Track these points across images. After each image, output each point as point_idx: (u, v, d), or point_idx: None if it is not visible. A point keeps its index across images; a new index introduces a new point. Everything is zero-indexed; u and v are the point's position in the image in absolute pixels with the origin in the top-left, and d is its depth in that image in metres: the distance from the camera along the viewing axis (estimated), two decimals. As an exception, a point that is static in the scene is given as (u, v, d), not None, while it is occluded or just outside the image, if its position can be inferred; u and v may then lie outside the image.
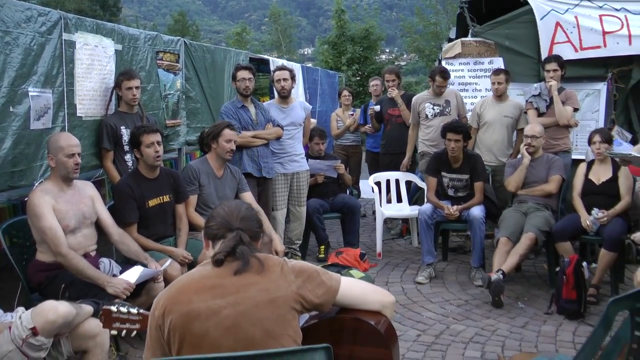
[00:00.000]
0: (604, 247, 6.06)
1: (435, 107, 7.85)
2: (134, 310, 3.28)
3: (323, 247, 7.82)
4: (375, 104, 9.30)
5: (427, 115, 7.87)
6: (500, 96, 7.71)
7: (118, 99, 6.14)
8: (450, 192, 7.23)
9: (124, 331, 3.29)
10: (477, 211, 6.86)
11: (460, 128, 6.99)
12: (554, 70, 7.35)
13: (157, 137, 5.34)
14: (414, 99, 8.09)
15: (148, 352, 2.51)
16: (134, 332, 3.31)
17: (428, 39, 31.59)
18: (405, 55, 38.06)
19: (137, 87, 5.99)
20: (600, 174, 6.54)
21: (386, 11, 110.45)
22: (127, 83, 5.93)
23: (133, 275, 4.62)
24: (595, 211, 6.24)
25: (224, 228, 2.56)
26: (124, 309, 3.26)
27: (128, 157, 5.97)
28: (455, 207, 7.00)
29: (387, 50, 41.02)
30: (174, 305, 2.41)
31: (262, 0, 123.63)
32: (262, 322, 2.39)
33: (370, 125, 9.57)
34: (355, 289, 2.68)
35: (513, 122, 7.70)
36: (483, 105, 7.84)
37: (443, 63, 8.71)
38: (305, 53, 68.02)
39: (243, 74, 6.92)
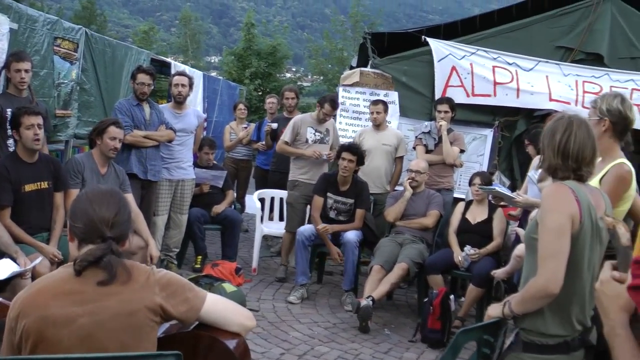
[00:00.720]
0: (472, 282, 6.32)
1: (316, 134, 7.85)
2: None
3: (200, 257, 7.80)
4: (272, 122, 9.35)
5: (307, 140, 7.82)
6: (378, 125, 7.90)
7: (7, 80, 5.93)
8: (332, 215, 7.33)
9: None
10: (351, 235, 7.00)
11: (357, 150, 7.13)
12: (445, 112, 7.63)
13: (39, 119, 5.18)
14: (296, 118, 8.03)
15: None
16: None
17: (333, 63, 31.95)
18: (309, 77, 38.37)
19: (26, 70, 5.78)
20: (477, 214, 6.83)
21: (297, 30, 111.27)
22: (16, 65, 5.72)
23: (1, 271, 4.47)
24: (467, 248, 6.51)
25: (94, 234, 2.42)
26: None
27: (11, 142, 5.69)
28: (324, 225, 7.09)
29: (293, 69, 41.28)
30: (30, 308, 2.30)
31: (175, 2, 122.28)
32: (118, 334, 2.33)
33: (263, 142, 9.61)
34: (219, 309, 2.61)
35: (392, 150, 7.90)
36: (362, 134, 8.01)
37: (340, 89, 8.87)
38: (212, 61, 67.45)
39: (143, 77, 6.84)
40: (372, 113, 7.93)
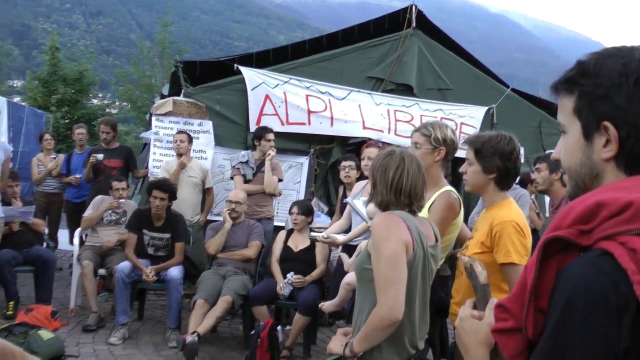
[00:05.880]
0: (298, 311, 6.37)
1: (112, 214, 7.96)
2: None
3: (12, 303, 7.24)
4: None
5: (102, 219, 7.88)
6: (182, 155, 7.88)
7: None
8: (150, 251, 7.19)
9: None
10: (174, 272, 6.91)
11: (167, 187, 7.01)
12: (273, 140, 7.71)
13: None
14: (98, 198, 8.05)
15: None
16: None
17: (142, 90, 31.39)
18: (117, 103, 37.47)
19: None
20: (299, 242, 6.90)
21: (103, 55, 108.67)
22: None
23: None
24: (290, 274, 6.55)
25: None
26: None
27: None
28: (150, 268, 6.95)
29: (100, 95, 40.14)
30: None
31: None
32: None
33: (76, 175, 9.27)
34: None
35: (199, 182, 7.95)
36: (167, 166, 7.99)
37: (153, 119, 8.72)
38: (15, 85, 64.29)
39: None
40: (175, 141, 7.91)
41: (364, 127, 8.66)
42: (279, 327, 6.14)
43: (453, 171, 7.19)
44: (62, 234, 10.09)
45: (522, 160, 8.39)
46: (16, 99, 20.12)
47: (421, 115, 8.59)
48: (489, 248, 3.26)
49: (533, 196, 7.83)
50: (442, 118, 8.60)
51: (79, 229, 8.07)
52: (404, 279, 2.77)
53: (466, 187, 3.47)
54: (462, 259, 2.28)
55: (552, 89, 1.53)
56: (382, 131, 8.66)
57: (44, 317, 6.77)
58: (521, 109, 9.52)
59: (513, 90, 9.73)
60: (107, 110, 29.67)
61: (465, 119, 9.11)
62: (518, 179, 7.04)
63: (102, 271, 7.47)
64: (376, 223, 2.93)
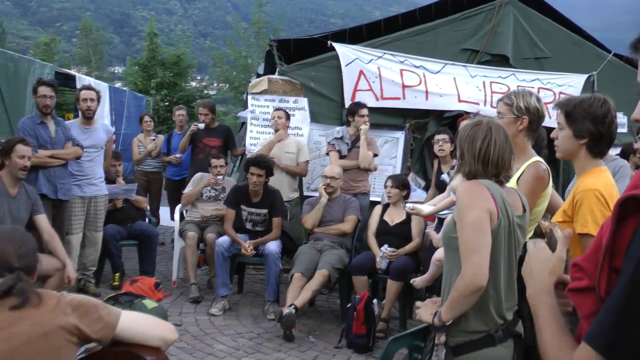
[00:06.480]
0: (389, 277, 6.39)
1: (211, 191, 8.07)
2: None
3: (118, 274, 7.62)
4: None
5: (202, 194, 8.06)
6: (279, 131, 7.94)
7: None
8: (249, 226, 7.30)
9: None
10: (272, 246, 6.99)
11: (263, 163, 7.10)
12: (367, 115, 7.70)
13: None
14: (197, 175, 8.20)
15: None
16: None
17: (238, 71, 31.81)
18: (215, 84, 38.10)
19: None
20: (395, 216, 6.88)
21: (200, 39, 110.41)
22: None
23: None
24: (384, 246, 6.55)
25: (1, 267, 2.42)
26: None
27: None
28: (249, 243, 7.06)
29: (198, 78, 40.91)
30: None
31: (74, 12, 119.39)
32: (35, 358, 2.34)
33: (176, 155, 9.55)
34: (136, 324, 2.62)
35: (295, 157, 7.98)
36: (264, 143, 8.06)
37: (249, 97, 8.85)
38: (116, 72, 66.12)
39: (44, 90, 6.66)
40: (273, 117, 7.98)
41: (459, 100, 8.54)
42: (375, 301, 6.17)
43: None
44: (164, 211, 10.39)
45: (625, 130, 8.17)
46: (117, 85, 20.69)
47: (518, 86, 8.32)
48: (570, 217, 3.13)
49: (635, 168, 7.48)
50: (539, 88, 8.38)
51: (179, 206, 8.31)
52: (487, 246, 2.74)
53: (557, 153, 3.32)
54: (542, 224, 2.25)
55: (632, 47, 1.48)
56: (477, 104, 8.51)
57: (148, 288, 7.05)
58: (625, 75, 8.98)
59: (615, 55, 9.21)
60: (205, 92, 30.28)
61: (564, 88, 8.78)
62: (620, 149, 6.86)
63: (203, 245, 7.68)
64: (460, 191, 2.90)
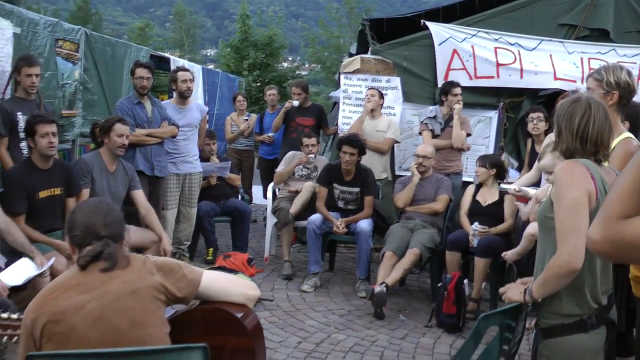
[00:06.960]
0: (476, 254, 6.32)
1: (304, 170, 8.16)
2: (14, 316, 3.18)
3: (211, 249, 7.81)
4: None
5: (294, 174, 8.13)
6: (373, 112, 7.92)
7: (15, 83, 5.95)
8: (340, 204, 7.33)
9: (5, 337, 3.19)
10: (364, 225, 6.99)
11: (356, 142, 7.10)
12: (460, 95, 7.64)
13: (53, 127, 5.24)
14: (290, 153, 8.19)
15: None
16: (15, 338, 3.21)
17: (330, 51, 31.86)
18: (307, 65, 38.30)
19: (37, 75, 5.85)
20: (487, 196, 6.79)
21: (291, 19, 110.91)
22: (28, 70, 5.77)
23: (19, 274, 4.49)
24: (475, 224, 6.44)
25: (90, 236, 2.59)
26: (4, 315, 3.16)
27: (23, 144, 5.73)
28: (340, 221, 7.09)
29: (290, 59, 41.19)
30: (42, 309, 2.46)
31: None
32: (127, 312, 2.49)
33: (269, 134, 9.66)
34: (218, 282, 2.76)
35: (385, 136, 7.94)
36: None
37: (342, 77, 8.85)
38: (208, 54, 67.31)
39: (141, 72, 6.84)
40: (366, 96, 7.98)
41: (556, 78, 8.29)
42: (465, 281, 6.12)
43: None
44: (256, 190, 10.55)
45: None
46: (210, 67, 21.04)
47: (618, 62, 8.03)
48: None
49: None
50: (643, 64, 8.03)
51: (271, 184, 8.39)
52: (585, 228, 2.63)
53: None
54: None
55: None
56: (574, 81, 8.16)
57: (241, 263, 7.19)
58: None
59: None
60: (297, 72, 30.39)
61: (670, 63, 8.36)
62: None
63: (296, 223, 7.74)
64: (559, 170, 2.82)
